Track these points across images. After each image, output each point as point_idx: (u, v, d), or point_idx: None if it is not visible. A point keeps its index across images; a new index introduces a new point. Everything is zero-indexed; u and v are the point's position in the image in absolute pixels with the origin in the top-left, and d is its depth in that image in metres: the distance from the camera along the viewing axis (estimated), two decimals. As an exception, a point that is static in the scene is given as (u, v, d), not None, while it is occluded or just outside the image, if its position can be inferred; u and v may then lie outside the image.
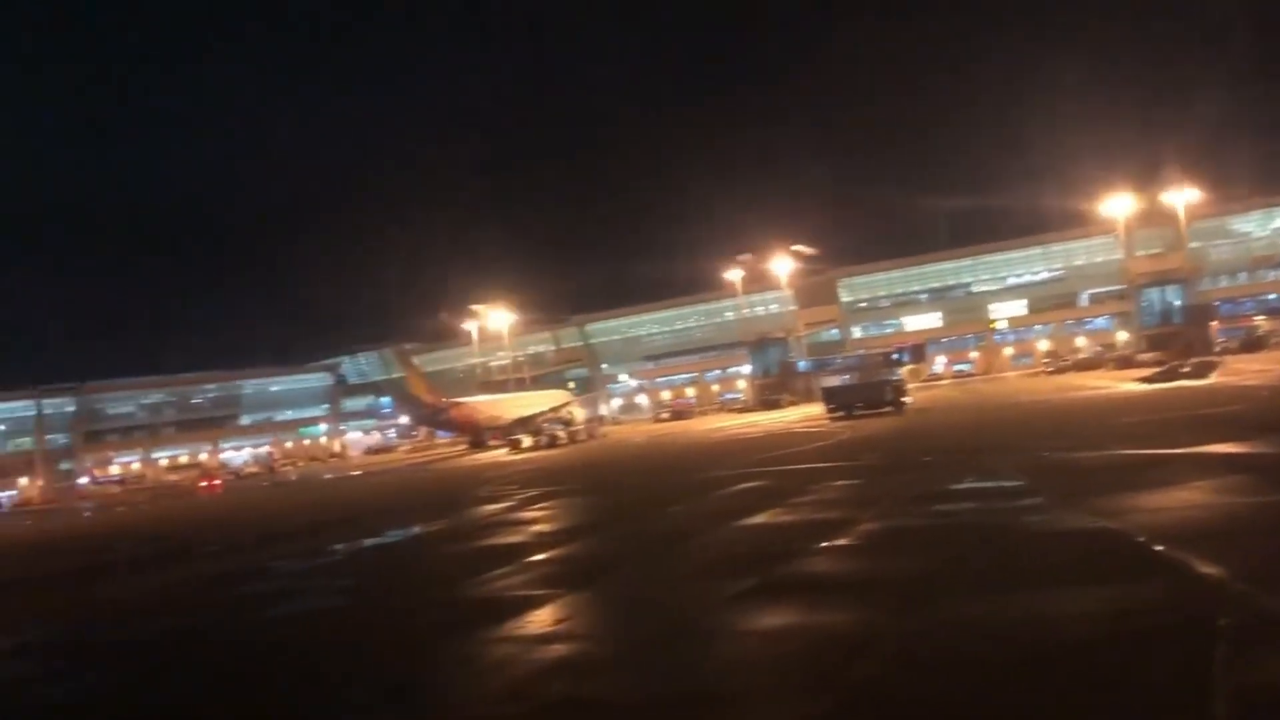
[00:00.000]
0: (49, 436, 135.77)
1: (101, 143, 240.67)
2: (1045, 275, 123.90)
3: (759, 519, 20.56)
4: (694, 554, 17.54)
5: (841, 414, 60.48)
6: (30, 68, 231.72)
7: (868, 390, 64.74)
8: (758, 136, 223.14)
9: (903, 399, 60.70)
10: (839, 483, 25.49)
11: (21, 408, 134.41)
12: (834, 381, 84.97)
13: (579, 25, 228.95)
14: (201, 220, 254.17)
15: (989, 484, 21.88)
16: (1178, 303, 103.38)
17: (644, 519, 23.81)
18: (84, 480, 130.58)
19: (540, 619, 13.76)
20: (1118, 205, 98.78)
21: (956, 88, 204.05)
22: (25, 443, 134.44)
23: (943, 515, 18.17)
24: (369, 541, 27.79)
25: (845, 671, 9.39)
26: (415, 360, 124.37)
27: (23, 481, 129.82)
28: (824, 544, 16.34)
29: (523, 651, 12.24)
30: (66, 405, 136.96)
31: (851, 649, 10.09)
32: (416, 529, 29.23)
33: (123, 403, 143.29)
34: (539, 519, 27.40)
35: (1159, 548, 12.91)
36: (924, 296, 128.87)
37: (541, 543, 21.54)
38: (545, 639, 12.70)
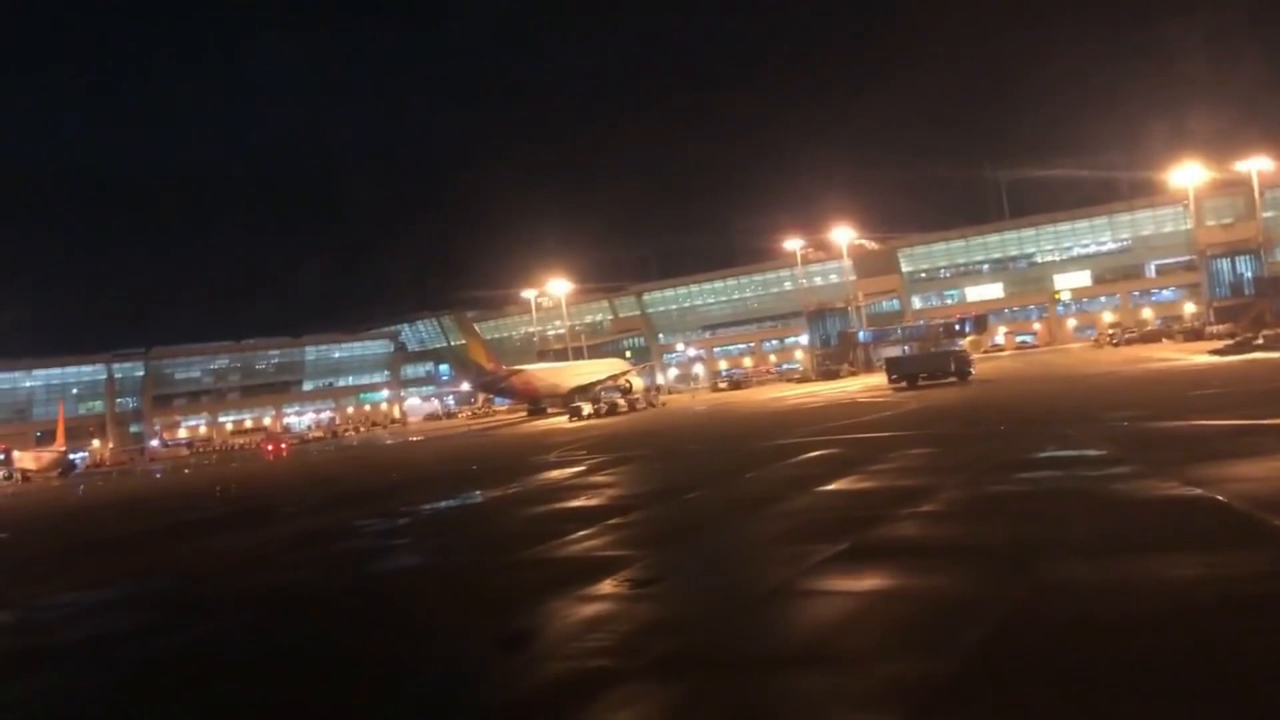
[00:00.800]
0: (119, 400, 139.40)
1: (169, 114, 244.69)
2: (1110, 246, 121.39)
3: (839, 485, 20.67)
4: (779, 518, 17.64)
5: (905, 384, 60.23)
6: (97, 41, 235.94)
7: (932, 360, 64.47)
8: (819, 106, 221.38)
9: (968, 370, 60.30)
10: (915, 451, 25.46)
11: (92, 372, 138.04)
12: (897, 351, 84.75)
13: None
14: (265, 190, 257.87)
15: (1072, 453, 21.76)
16: (1249, 274, 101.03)
17: (722, 484, 23.94)
18: (155, 443, 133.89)
19: (635, 577, 14.05)
20: (1187, 174, 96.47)
21: (1020, 55, 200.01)
22: (96, 406, 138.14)
23: (1031, 483, 18.16)
24: (449, 503, 28.38)
25: (961, 632, 9.51)
26: (476, 328, 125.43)
27: (94, 444, 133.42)
28: (912, 510, 16.44)
29: (624, 609, 12.55)
30: (136, 370, 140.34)
31: (963, 610, 10.21)
32: (494, 491, 29.46)
33: (190, 368, 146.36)
34: (615, 483, 27.74)
35: (1261, 515, 12.87)
36: (985, 267, 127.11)
37: (622, 505, 21.80)
38: (643, 597, 12.99)
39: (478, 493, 30.21)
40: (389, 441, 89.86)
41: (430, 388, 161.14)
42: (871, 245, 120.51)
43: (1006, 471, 19.63)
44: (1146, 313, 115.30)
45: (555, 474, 32.16)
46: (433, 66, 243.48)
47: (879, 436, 31.32)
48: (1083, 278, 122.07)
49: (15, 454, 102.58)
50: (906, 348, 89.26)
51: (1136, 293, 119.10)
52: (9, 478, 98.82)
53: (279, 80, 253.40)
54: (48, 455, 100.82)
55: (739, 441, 37.40)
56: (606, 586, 13.63)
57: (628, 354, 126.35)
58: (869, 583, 12.13)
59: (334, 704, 10.04)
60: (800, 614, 11.16)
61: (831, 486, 20.53)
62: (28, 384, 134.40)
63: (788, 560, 13.80)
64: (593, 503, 23.48)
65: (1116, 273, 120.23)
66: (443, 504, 28.16)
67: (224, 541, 25.37)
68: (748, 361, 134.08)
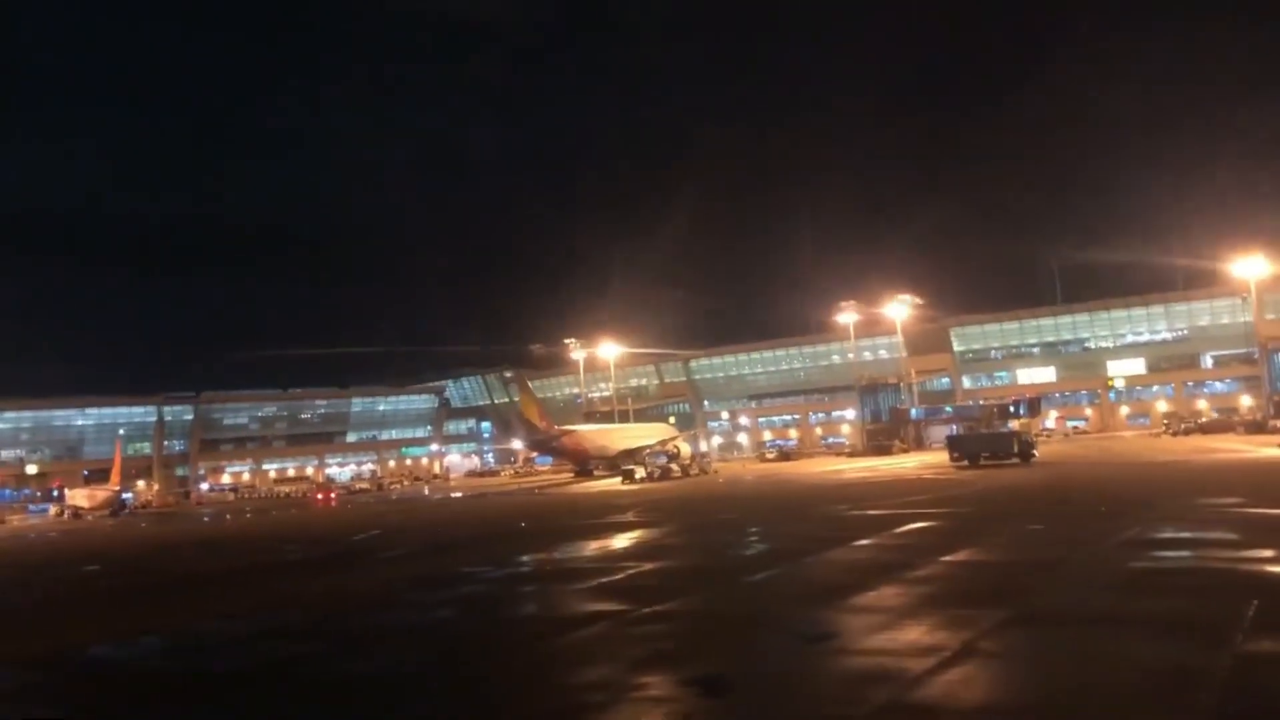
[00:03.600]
0: (166, 442, 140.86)
1: (220, 165, 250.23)
2: (1166, 335, 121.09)
3: (963, 556, 20.63)
4: (917, 583, 17.48)
5: (966, 463, 59.88)
6: (146, 87, 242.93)
7: (995, 440, 64.12)
8: (873, 181, 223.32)
9: (1031, 451, 60.09)
10: (1026, 527, 25.26)
11: (142, 413, 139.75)
12: (950, 430, 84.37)
13: (692, 69, 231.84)
14: (316, 242, 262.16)
15: (1195, 534, 21.67)
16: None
17: (832, 550, 23.42)
18: (205, 486, 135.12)
19: (810, 633, 14.07)
20: (1247, 265, 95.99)
21: (1077, 141, 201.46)
22: (143, 448, 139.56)
23: (1171, 561, 18.10)
24: (552, 554, 27.79)
25: (1190, 697, 9.60)
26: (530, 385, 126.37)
27: (139, 484, 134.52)
28: (1061, 581, 16.46)
29: (818, 661, 12.60)
30: (184, 414, 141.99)
31: (1181, 678, 10.25)
32: (588, 548, 29.31)
33: (237, 413, 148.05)
34: (715, 545, 27.67)
35: None
36: (1037, 350, 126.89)
37: (746, 565, 21.90)
38: (830, 649, 13.03)
39: (574, 547, 29.60)
40: (434, 496, 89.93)
41: (472, 444, 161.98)
42: (918, 313, 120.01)
43: (1138, 549, 19.56)
44: (1201, 403, 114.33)
45: (645, 533, 32.15)
46: (481, 127, 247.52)
47: (971, 512, 31.23)
48: (1137, 365, 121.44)
49: (69, 492, 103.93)
50: (958, 426, 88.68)
51: (1191, 383, 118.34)
52: (61, 514, 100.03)
53: (324, 134, 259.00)
54: (101, 494, 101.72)
55: (822, 509, 36.90)
56: (782, 643, 13.74)
57: (671, 419, 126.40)
58: (1055, 651, 12.10)
59: None
60: (1002, 677, 11.13)
61: (955, 557, 20.43)
62: (80, 422, 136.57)
63: (955, 624, 13.64)
64: (707, 562, 23.58)
65: (1171, 362, 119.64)
66: (546, 555, 27.69)
67: (334, 581, 25.63)
68: (793, 433, 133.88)
